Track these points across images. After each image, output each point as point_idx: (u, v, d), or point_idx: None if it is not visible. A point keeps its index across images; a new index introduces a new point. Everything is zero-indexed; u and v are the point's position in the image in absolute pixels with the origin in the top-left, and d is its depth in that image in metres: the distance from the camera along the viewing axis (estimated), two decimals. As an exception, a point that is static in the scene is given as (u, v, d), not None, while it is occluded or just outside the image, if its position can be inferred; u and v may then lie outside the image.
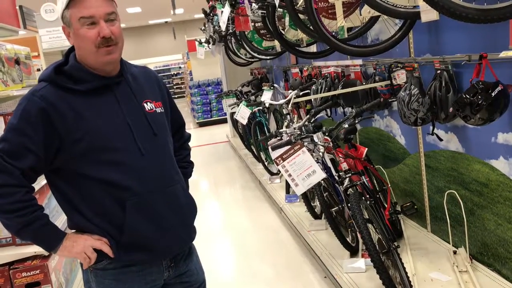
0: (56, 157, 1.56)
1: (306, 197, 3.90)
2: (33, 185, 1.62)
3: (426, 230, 3.49)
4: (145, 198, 1.62)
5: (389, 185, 3.52)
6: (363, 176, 2.87)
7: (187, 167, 1.96)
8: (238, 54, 6.56)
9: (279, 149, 2.80)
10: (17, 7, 3.64)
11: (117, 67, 1.66)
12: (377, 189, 3.33)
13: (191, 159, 2.01)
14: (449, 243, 3.09)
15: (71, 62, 1.60)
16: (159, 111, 1.73)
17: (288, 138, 2.77)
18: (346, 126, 2.80)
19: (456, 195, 2.93)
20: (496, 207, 2.69)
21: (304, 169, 2.57)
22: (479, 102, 2.20)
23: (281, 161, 2.59)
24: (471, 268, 2.81)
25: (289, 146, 2.63)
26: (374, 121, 4.10)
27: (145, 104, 1.68)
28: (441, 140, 2.99)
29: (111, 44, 1.57)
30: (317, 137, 2.82)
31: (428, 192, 3.39)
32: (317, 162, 3.09)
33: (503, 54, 2.17)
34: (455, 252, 3.01)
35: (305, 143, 2.94)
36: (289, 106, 4.03)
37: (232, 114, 6.83)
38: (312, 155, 3.12)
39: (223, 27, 4.75)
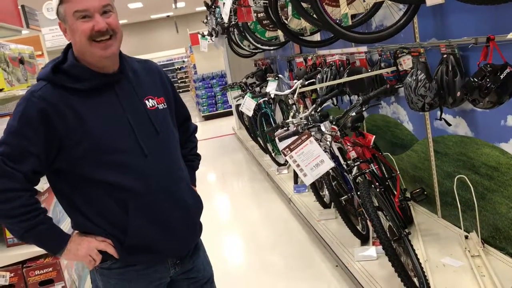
0: (57, 158, 1.53)
1: (315, 187, 3.89)
2: (43, 185, 1.61)
3: (436, 216, 3.47)
4: (149, 199, 1.60)
5: (398, 172, 3.50)
6: (371, 164, 2.85)
7: (194, 160, 1.94)
8: (242, 45, 6.52)
9: (286, 140, 2.79)
10: (19, 7, 3.64)
11: (116, 63, 1.62)
12: (386, 176, 3.31)
13: (197, 151, 1.99)
14: (461, 228, 3.07)
15: (70, 60, 1.56)
16: (161, 107, 1.69)
17: (295, 128, 2.75)
18: (353, 114, 2.78)
19: (466, 180, 2.91)
20: (507, 190, 2.67)
21: (312, 159, 2.56)
22: (488, 85, 2.17)
23: (289, 152, 2.57)
24: (483, 252, 2.79)
25: (296, 137, 2.61)
26: (381, 108, 4.07)
27: (146, 101, 1.65)
28: (449, 125, 2.96)
29: (110, 36, 1.53)
30: (324, 126, 2.80)
31: (437, 178, 3.37)
32: (325, 152, 3.08)
33: (511, 35, 2.13)
34: (466, 237, 2.99)
35: (312, 133, 2.93)
36: (295, 96, 4.01)
37: (238, 106, 6.81)
38: (319, 144, 3.11)
39: (226, 19, 4.72)
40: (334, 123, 2.84)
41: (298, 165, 2.58)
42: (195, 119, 13.32)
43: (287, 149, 2.58)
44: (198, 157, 1.98)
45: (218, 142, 9.45)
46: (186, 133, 1.93)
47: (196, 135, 2.03)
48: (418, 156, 3.58)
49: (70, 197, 1.61)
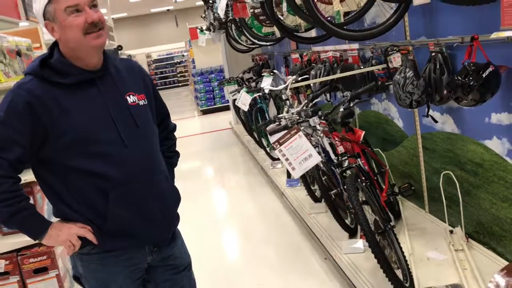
0: (42, 148, 1.61)
1: (306, 181, 3.95)
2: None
3: (424, 211, 3.54)
4: (128, 188, 1.67)
5: (387, 167, 3.57)
6: (359, 159, 2.92)
7: (172, 157, 2.02)
8: (239, 40, 6.58)
9: (276, 134, 2.85)
10: (18, -1, 3.68)
11: (100, 59, 1.69)
12: (375, 171, 3.37)
13: (176, 149, 2.07)
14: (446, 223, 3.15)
15: (56, 55, 1.64)
16: (142, 104, 1.77)
17: (285, 123, 2.82)
18: (342, 110, 2.84)
19: (452, 176, 2.98)
20: (490, 186, 2.73)
21: (301, 152, 2.63)
22: (470, 83, 2.24)
23: (278, 146, 2.64)
24: (467, 246, 2.86)
25: (286, 131, 2.68)
26: (373, 105, 4.13)
27: (127, 97, 1.73)
28: (436, 121, 3.02)
29: (100, 28, 1.62)
30: (313, 121, 2.87)
31: (425, 174, 3.44)
32: (316, 146, 3.14)
33: (494, 35, 2.19)
34: (451, 232, 3.06)
35: (303, 128, 3.00)
36: (287, 91, 4.07)
37: (234, 101, 6.87)
38: (310, 139, 3.17)
39: (222, 14, 4.78)
40: (323, 118, 2.90)
41: (287, 159, 2.64)
42: (194, 113, 13.38)
43: (277, 143, 2.65)
44: (176, 154, 2.05)
45: (215, 136, 9.51)
46: (165, 130, 2.01)
47: (176, 133, 2.10)
48: (407, 152, 3.65)
49: (52, 185, 1.68)
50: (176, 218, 1.90)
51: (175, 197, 1.89)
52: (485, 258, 2.75)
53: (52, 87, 1.60)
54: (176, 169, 2.03)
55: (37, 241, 1.71)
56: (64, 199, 1.68)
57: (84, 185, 1.65)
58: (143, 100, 1.78)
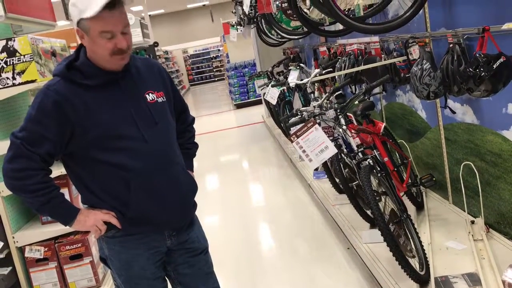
0: (69, 143, 1.77)
1: (330, 173, 4.02)
2: None
3: (448, 202, 3.55)
4: (147, 179, 1.82)
5: (410, 159, 3.59)
6: (375, 150, 2.97)
7: (191, 148, 2.16)
8: (269, 35, 6.65)
9: (296, 127, 2.93)
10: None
11: None
12: (398, 162, 3.39)
13: (195, 140, 2.20)
14: (470, 214, 3.15)
15: (82, 58, 1.78)
16: (161, 101, 1.90)
17: (301, 116, 2.90)
18: (356, 102, 2.90)
19: (472, 166, 2.98)
20: (509, 176, 2.73)
21: (317, 145, 2.70)
22: (481, 74, 2.25)
23: (295, 138, 2.73)
24: (486, 236, 2.87)
25: (303, 124, 2.76)
26: (398, 97, 4.14)
27: (147, 95, 1.86)
28: (453, 112, 3.03)
29: (125, 52, 1.75)
30: (329, 114, 2.93)
31: (448, 165, 3.45)
32: (337, 139, 3.21)
33: (506, 26, 2.20)
34: (473, 222, 3.07)
35: (325, 121, 3.06)
36: (308, 84, 4.14)
37: (264, 94, 6.96)
38: (332, 131, 3.24)
39: (246, 10, 4.87)
40: (338, 111, 2.96)
41: (304, 151, 2.73)
42: (228, 107, 13.55)
43: (294, 136, 2.73)
44: (195, 145, 2.20)
45: (248, 129, 9.66)
46: (184, 124, 2.14)
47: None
48: (431, 143, 3.66)
49: (80, 175, 1.85)
50: (193, 206, 2.03)
51: (192, 187, 2.02)
52: (504, 248, 2.75)
53: (78, 88, 1.75)
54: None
55: (67, 227, 1.88)
56: (91, 188, 1.84)
57: (108, 175, 1.80)
58: (161, 98, 1.91)
